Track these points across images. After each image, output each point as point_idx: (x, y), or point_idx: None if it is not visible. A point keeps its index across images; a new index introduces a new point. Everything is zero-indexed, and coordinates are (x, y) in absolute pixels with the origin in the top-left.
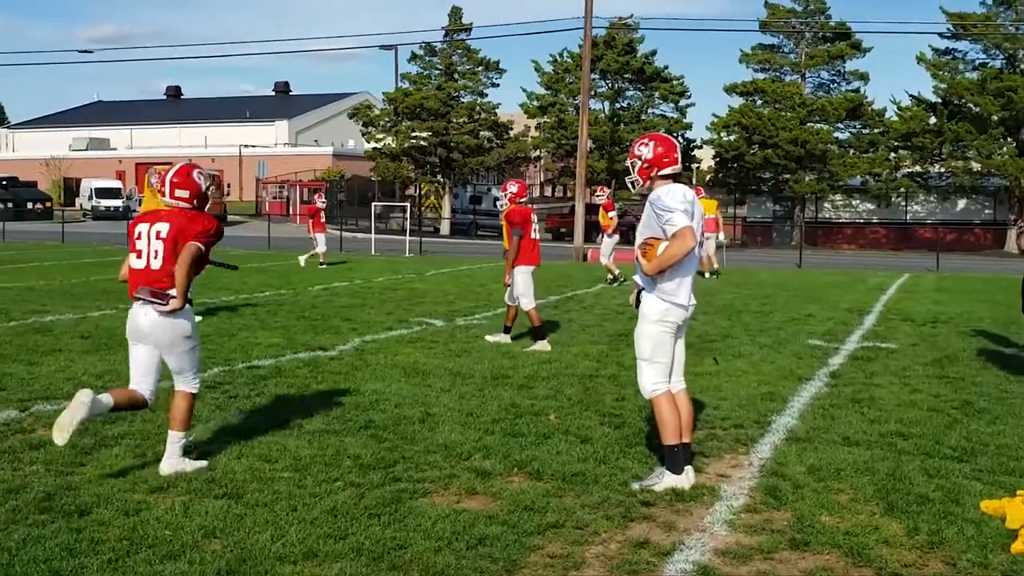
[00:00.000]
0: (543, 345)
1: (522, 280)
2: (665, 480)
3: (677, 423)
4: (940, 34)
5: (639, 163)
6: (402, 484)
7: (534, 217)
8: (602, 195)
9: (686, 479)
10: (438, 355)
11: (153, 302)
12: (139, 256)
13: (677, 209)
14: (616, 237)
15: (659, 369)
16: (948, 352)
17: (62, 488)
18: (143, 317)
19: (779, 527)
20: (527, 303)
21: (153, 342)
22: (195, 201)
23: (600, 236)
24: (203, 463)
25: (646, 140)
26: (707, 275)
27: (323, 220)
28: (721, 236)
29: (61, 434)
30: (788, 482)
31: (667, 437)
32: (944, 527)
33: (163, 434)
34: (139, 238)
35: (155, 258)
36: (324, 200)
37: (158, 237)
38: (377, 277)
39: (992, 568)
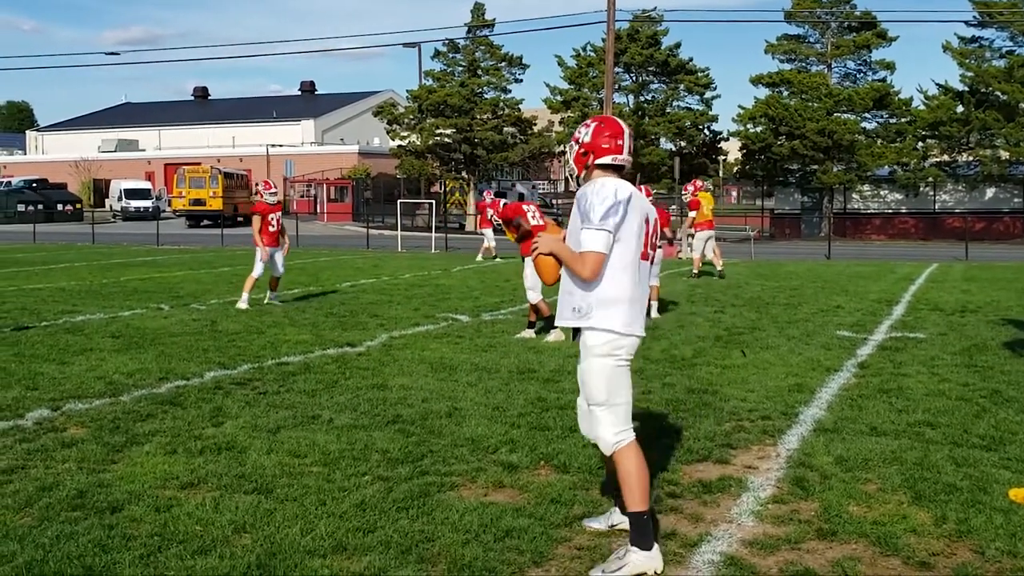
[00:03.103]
0: (557, 335)
1: (531, 273)
2: (631, 560)
3: (647, 482)
4: (966, 22)
5: (576, 148)
6: (430, 478)
7: (527, 209)
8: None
9: (659, 559)
10: (464, 350)
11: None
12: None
13: (600, 226)
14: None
15: (620, 413)
16: (977, 341)
17: (94, 485)
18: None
19: (806, 517)
20: (534, 296)
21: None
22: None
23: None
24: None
25: (589, 121)
26: (716, 273)
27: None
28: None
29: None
30: (815, 472)
31: (634, 501)
32: (972, 516)
33: (193, 431)
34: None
35: None
36: (492, 196)
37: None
38: (404, 274)
39: (1020, 556)
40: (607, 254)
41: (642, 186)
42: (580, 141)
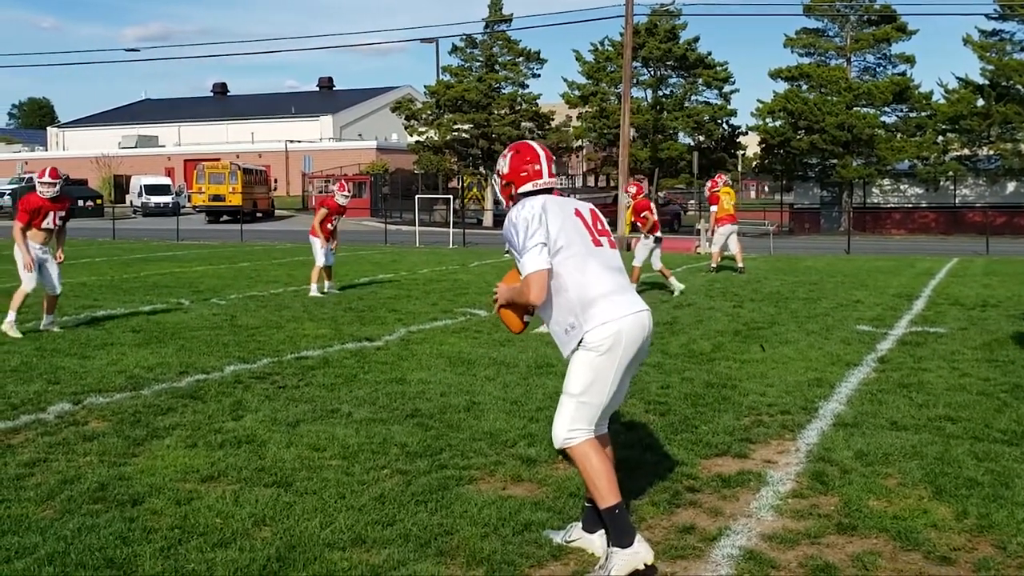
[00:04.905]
0: None
1: None
2: (614, 563)
3: (612, 475)
4: (987, 15)
5: (499, 181)
6: (448, 471)
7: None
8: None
9: (644, 550)
10: (482, 344)
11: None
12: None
13: (528, 246)
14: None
15: (585, 412)
16: (998, 336)
17: (115, 478)
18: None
19: (826, 512)
20: None
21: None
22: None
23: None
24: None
25: (507, 151)
26: (737, 270)
27: None
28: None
29: None
30: (835, 467)
31: (602, 497)
32: (993, 511)
33: (213, 425)
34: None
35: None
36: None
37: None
38: (422, 269)
39: None
40: (548, 268)
41: (635, 182)
42: (500, 173)
